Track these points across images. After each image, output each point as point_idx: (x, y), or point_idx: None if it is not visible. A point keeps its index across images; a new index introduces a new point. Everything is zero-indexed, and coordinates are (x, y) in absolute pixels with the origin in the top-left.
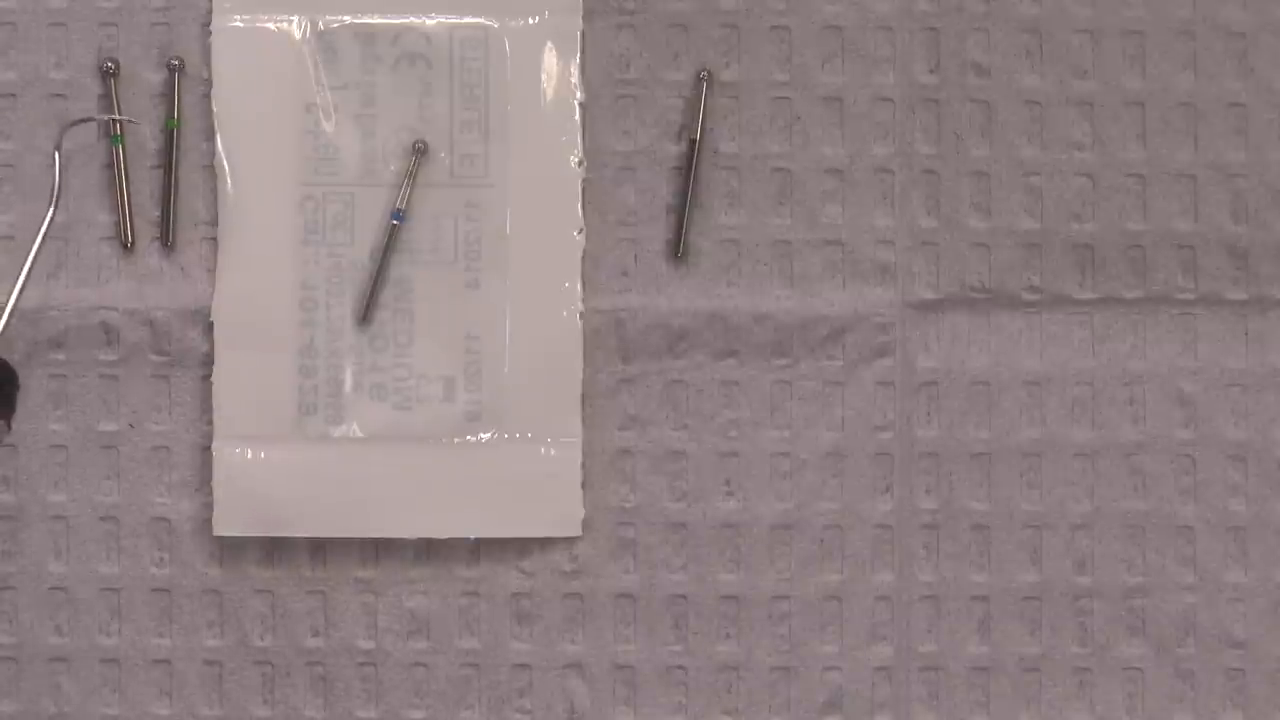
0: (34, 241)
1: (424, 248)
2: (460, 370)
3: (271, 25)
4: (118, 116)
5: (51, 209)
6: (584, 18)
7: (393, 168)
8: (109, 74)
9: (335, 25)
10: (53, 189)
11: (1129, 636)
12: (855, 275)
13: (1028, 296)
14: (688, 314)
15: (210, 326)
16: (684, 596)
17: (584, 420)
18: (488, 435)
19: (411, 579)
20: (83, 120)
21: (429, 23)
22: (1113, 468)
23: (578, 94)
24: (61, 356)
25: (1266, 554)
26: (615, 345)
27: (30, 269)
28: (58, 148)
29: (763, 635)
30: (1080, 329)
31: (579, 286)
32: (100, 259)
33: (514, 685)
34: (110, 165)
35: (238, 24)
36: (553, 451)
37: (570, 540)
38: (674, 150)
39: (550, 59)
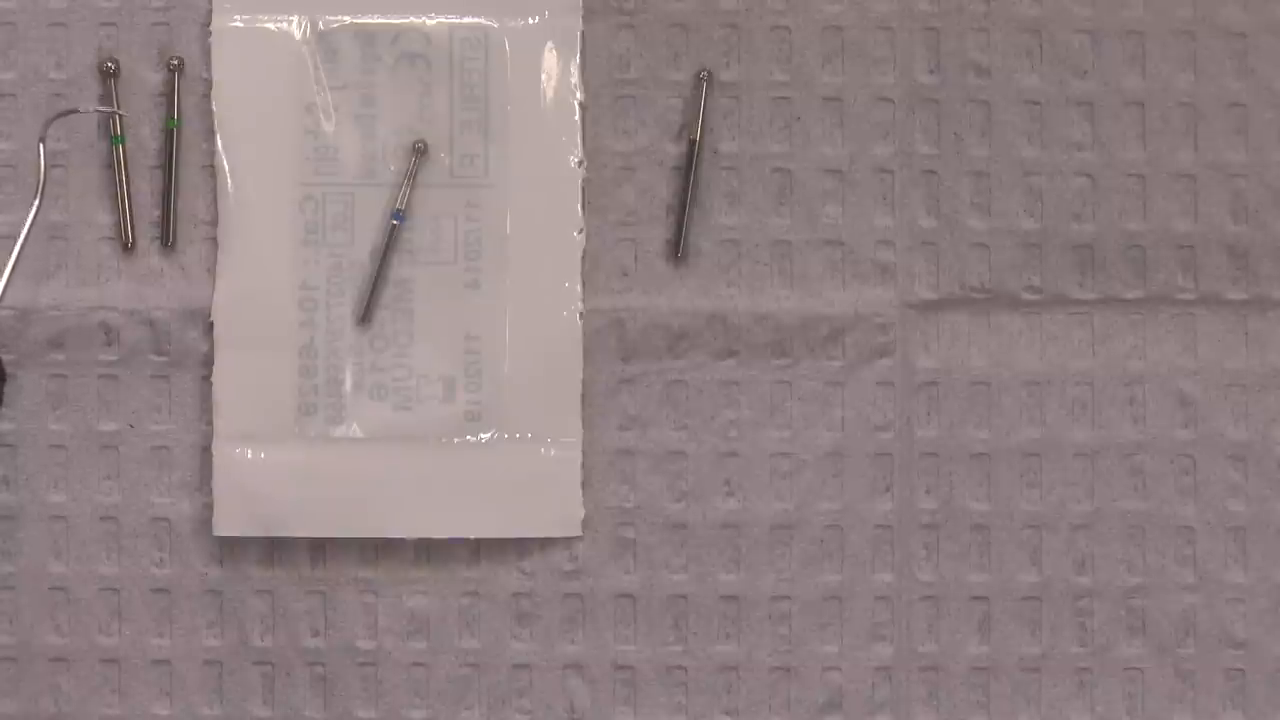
0: (20, 234)
1: (424, 248)
2: (460, 370)
3: (271, 25)
4: (101, 108)
5: (37, 201)
6: (584, 18)
7: (393, 168)
8: (109, 74)
9: (335, 25)
10: (38, 182)
11: (1129, 636)
12: (855, 275)
13: (1028, 296)
14: (688, 314)
15: (210, 326)
16: (684, 596)
17: (584, 420)
18: (488, 435)
19: (411, 579)
20: (67, 112)
21: (429, 23)
22: (1113, 468)
23: (578, 94)
24: (61, 356)
25: (1266, 554)
26: (615, 345)
27: (16, 262)
28: (42, 140)
29: (763, 635)
30: (1080, 329)
31: (579, 286)
32: (100, 259)
33: (514, 685)
34: (110, 165)
35: (238, 24)
36: (553, 451)
37: (570, 540)
38: (674, 150)
39: (550, 59)
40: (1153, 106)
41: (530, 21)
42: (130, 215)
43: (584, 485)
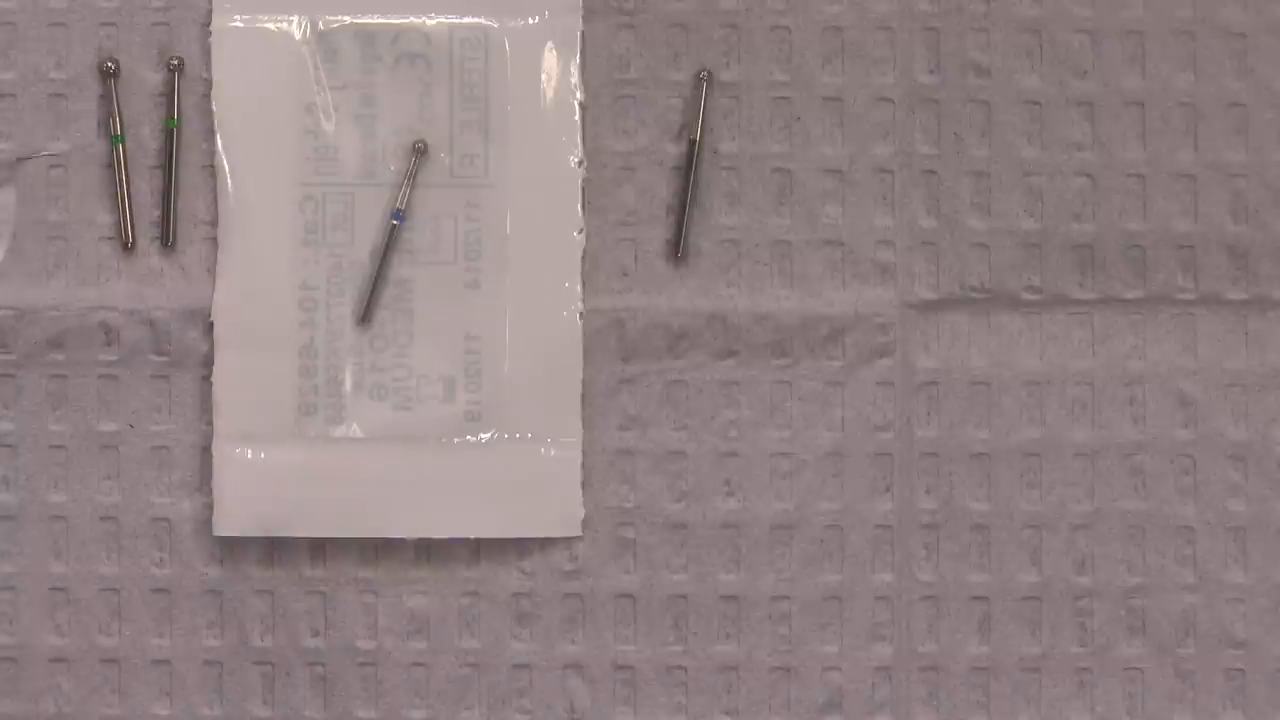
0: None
1: (424, 248)
2: (460, 370)
3: (271, 25)
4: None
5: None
6: (584, 18)
7: (393, 168)
8: (109, 74)
9: (335, 25)
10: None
11: (1129, 636)
12: (855, 275)
13: (1028, 296)
14: (688, 314)
15: (210, 326)
16: (684, 596)
17: (584, 420)
18: (488, 435)
19: (411, 579)
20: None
21: (429, 23)
22: (1113, 468)
23: (578, 94)
24: (61, 357)
25: (1266, 554)
26: (615, 345)
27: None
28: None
29: (763, 635)
30: (1080, 329)
31: (579, 286)
32: (100, 259)
33: (514, 685)
34: (110, 165)
35: (238, 24)
36: (553, 451)
37: (570, 540)
38: (674, 150)
39: (550, 59)
40: (1153, 106)
41: (530, 21)
42: (130, 215)
43: (584, 485)
